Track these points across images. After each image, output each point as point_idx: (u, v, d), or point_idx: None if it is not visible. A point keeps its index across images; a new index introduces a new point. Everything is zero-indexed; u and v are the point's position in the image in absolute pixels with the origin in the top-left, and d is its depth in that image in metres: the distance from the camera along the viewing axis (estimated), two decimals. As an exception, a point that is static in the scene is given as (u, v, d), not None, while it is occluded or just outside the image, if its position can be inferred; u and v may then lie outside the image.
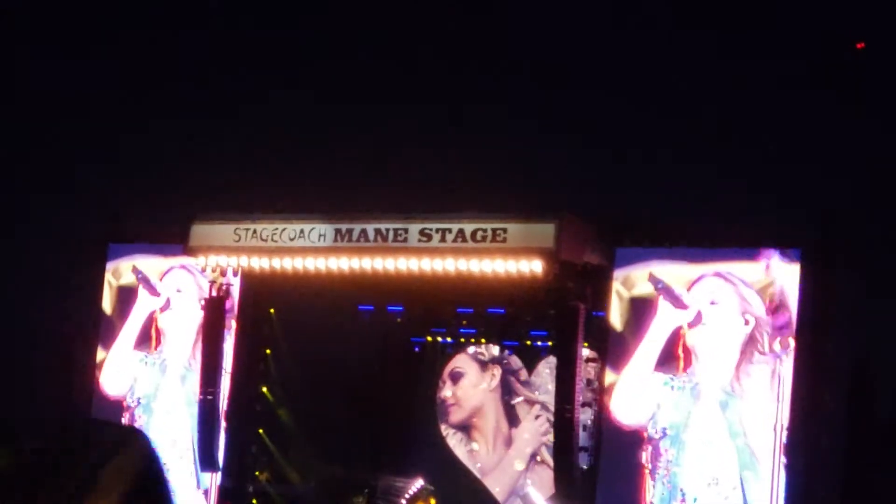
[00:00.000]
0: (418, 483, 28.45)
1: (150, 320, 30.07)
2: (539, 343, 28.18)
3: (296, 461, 29.28)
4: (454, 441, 29.56)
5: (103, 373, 30.31)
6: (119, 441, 1.50)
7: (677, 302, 24.71)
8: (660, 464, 24.69)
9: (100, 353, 30.45)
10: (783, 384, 23.59)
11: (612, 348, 25.48)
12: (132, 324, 30.22)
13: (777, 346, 23.73)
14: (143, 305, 30.16)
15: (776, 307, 23.80)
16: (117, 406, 29.90)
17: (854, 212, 24.57)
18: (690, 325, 24.67)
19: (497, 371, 28.99)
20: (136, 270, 30.20)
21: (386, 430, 28.75)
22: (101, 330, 30.61)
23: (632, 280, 25.38)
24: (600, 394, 25.44)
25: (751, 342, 24.06)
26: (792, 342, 23.71)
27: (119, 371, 30.12)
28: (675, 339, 24.83)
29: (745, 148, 25.80)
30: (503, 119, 27.42)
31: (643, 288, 25.26)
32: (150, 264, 30.14)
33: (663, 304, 24.91)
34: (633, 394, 24.96)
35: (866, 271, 24.45)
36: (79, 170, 30.83)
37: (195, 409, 28.52)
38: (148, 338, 30.07)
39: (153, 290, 30.01)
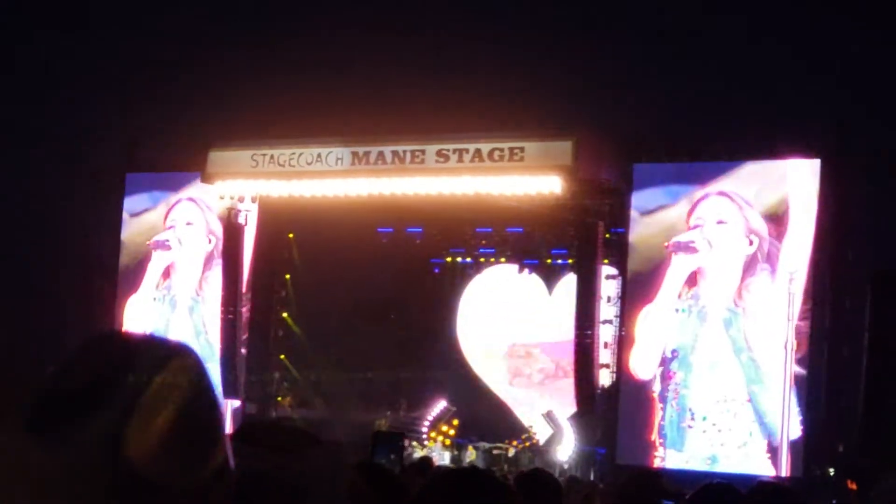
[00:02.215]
0: (441, 405, 28.55)
1: (162, 254, 29.96)
2: (559, 261, 28.15)
3: (318, 386, 29.39)
4: (476, 361, 29.64)
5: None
6: (164, 357, 1.45)
7: (689, 250, 24.58)
8: (669, 386, 24.66)
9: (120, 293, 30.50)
10: (793, 302, 23.52)
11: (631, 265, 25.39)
12: (149, 281, 30.14)
13: (788, 265, 23.64)
14: (159, 263, 30.03)
15: (785, 224, 23.70)
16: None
17: (873, 121, 24.45)
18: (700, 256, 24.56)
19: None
20: (154, 244, 30.00)
21: (407, 353, 28.79)
22: (120, 262, 30.64)
23: (643, 197, 25.17)
24: (621, 310, 25.39)
25: (754, 261, 23.99)
26: (800, 261, 23.58)
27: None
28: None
29: (762, 60, 25.67)
30: (518, 39, 27.31)
31: (656, 201, 25.01)
32: (159, 197, 29.99)
33: (676, 259, 24.70)
34: (651, 353, 24.85)
35: (886, 181, 24.34)
36: (96, 101, 30.79)
37: (203, 340, 28.71)
38: (158, 274, 30.01)
39: (166, 247, 29.84)
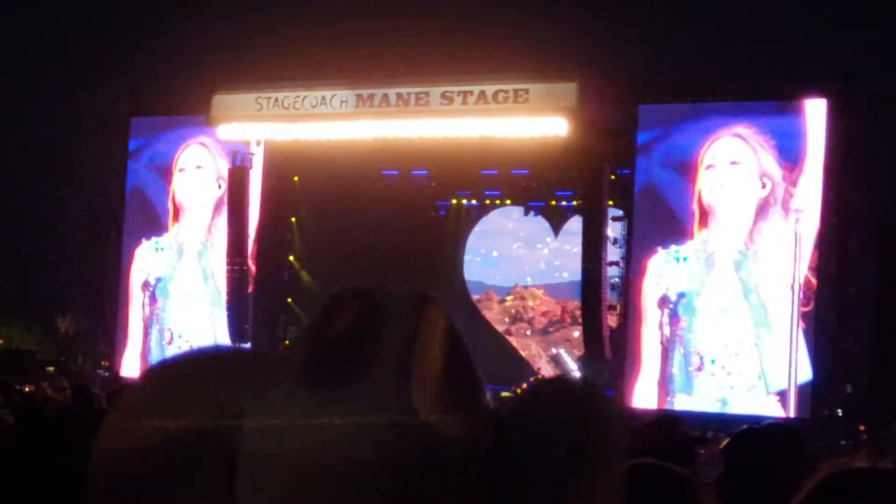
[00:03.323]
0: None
1: (170, 198, 29.75)
2: (564, 203, 28.09)
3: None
4: (482, 304, 29.62)
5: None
6: (419, 306, 1.45)
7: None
8: (675, 331, 24.61)
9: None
10: (800, 243, 23.43)
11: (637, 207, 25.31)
12: (156, 226, 29.93)
13: (795, 205, 23.54)
14: (167, 207, 29.81)
15: (800, 168, 23.57)
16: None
17: (883, 63, 24.31)
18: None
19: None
20: (162, 187, 29.83)
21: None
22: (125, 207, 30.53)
23: (649, 137, 25.08)
24: (627, 251, 25.33)
25: (767, 205, 23.87)
26: (809, 202, 23.49)
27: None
28: (691, 198, 24.58)
29: (768, 1, 25.52)
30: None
31: (662, 142, 24.92)
32: (168, 141, 29.80)
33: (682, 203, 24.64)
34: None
35: (893, 124, 24.25)
36: (99, 45, 30.68)
37: (211, 285, 28.69)
38: (165, 218, 29.83)
39: (175, 191, 29.62)
